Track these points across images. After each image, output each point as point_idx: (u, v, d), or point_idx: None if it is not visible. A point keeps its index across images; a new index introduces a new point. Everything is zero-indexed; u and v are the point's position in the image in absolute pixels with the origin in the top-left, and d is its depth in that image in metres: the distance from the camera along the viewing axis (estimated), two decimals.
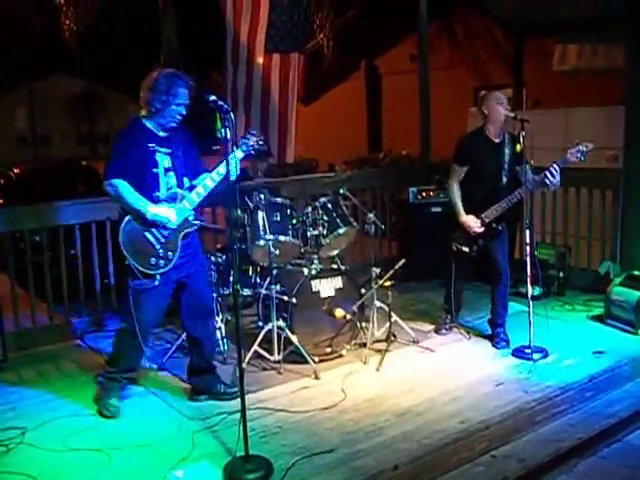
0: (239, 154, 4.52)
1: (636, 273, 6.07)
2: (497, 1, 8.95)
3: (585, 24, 8.44)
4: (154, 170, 4.39)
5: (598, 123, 7.34)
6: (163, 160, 4.42)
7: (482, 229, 5.46)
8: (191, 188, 4.52)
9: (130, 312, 4.42)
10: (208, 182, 4.47)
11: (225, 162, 4.24)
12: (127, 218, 4.37)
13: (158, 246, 4.38)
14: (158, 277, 4.38)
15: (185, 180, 4.51)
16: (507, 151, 5.42)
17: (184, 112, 4.42)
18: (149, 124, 4.43)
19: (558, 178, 5.20)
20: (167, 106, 4.34)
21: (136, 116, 4.48)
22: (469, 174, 5.54)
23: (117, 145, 4.43)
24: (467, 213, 5.50)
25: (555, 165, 5.18)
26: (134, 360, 4.70)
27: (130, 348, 4.58)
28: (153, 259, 4.37)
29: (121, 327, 4.72)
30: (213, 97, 3.94)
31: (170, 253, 4.41)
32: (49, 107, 34.55)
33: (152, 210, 4.31)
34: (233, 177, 4.40)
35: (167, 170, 4.43)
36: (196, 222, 4.53)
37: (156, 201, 4.37)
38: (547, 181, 5.21)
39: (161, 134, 4.45)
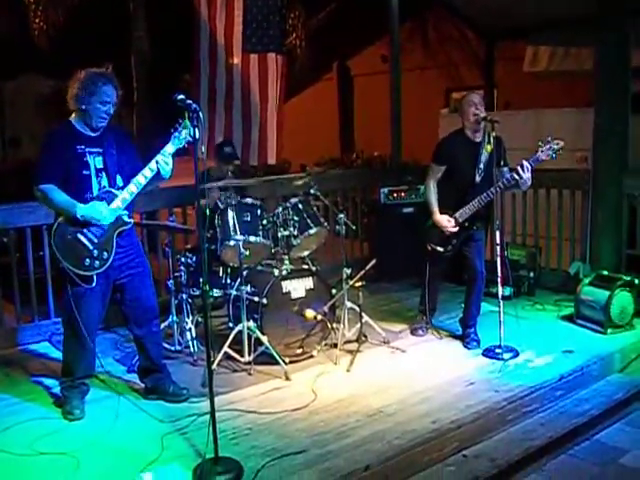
0: (170, 148, 4.35)
1: (605, 273, 6.12)
2: (468, 4, 8.98)
3: (556, 26, 8.50)
4: (85, 172, 4.30)
5: (568, 124, 7.40)
6: (94, 161, 4.34)
7: (456, 229, 5.47)
8: (125, 187, 4.40)
9: (74, 317, 4.34)
10: (140, 179, 4.34)
11: (157, 157, 4.28)
12: (58, 220, 4.29)
13: (91, 247, 4.28)
14: (95, 278, 4.31)
15: (118, 179, 4.40)
16: (484, 151, 5.40)
17: (111, 111, 4.33)
18: (78, 125, 4.36)
19: (529, 175, 5.16)
20: (92, 105, 4.27)
21: (67, 119, 4.41)
22: (446, 174, 5.54)
23: (45, 148, 4.34)
24: (441, 213, 5.50)
25: (526, 163, 5.15)
26: (86, 366, 4.59)
27: (78, 355, 4.52)
28: (87, 260, 4.27)
29: (64, 335, 4.60)
30: (181, 96, 3.91)
31: (105, 253, 4.31)
32: (19, 107, 34.10)
33: (81, 209, 4.21)
34: (167, 175, 4.39)
35: (99, 171, 4.34)
36: (130, 220, 4.41)
37: (88, 202, 4.27)
38: (517, 177, 5.18)
39: (91, 134, 4.38)
